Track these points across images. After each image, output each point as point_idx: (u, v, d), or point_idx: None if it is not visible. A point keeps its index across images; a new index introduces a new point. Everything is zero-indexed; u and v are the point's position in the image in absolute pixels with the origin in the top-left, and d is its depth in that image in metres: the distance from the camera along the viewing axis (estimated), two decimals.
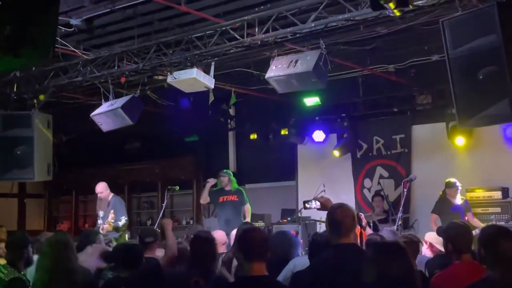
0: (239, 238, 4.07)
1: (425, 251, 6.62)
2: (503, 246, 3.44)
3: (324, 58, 7.36)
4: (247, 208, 9.87)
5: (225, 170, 10.34)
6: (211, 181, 9.94)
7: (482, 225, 8.60)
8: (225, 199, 9.92)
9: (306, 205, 4.98)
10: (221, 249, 6.82)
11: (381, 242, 4.57)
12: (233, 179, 10.03)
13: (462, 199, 9.54)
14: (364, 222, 6.85)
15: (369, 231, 6.52)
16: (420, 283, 3.50)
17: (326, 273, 3.78)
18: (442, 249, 6.37)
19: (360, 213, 7.24)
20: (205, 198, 10.09)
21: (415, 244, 5.33)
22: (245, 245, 3.87)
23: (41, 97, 8.92)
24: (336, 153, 11.71)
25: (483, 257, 3.56)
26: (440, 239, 6.57)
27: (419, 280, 3.50)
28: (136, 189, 15.26)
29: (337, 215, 3.92)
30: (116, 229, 9.19)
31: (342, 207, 3.99)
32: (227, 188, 9.96)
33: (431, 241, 6.72)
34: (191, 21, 8.12)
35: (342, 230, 3.87)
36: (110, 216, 8.86)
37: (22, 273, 5.09)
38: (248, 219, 9.62)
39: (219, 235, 7.01)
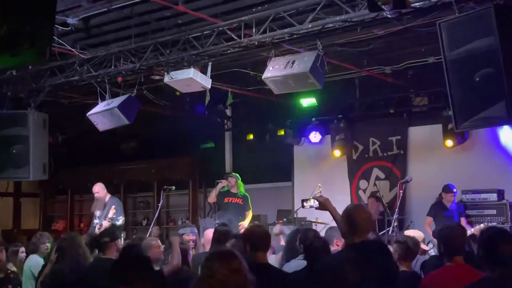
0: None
1: None
2: (502, 248, 3.46)
3: (321, 59, 7.36)
4: (249, 214, 10.01)
5: (233, 173, 10.50)
6: (224, 182, 10.04)
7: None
8: (230, 201, 9.99)
9: (305, 203, 4.96)
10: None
11: None
12: (241, 183, 10.14)
13: (457, 204, 9.57)
14: None
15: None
16: None
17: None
18: (425, 248, 6.42)
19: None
20: (213, 198, 10.20)
21: (408, 249, 5.33)
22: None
23: None
24: (337, 153, 11.69)
25: (481, 258, 3.58)
26: (420, 236, 6.62)
27: None
28: (132, 189, 15.23)
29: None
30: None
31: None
32: (233, 191, 10.05)
33: None
34: (188, 21, 8.12)
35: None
36: (111, 212, 8.83)
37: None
38: (245, 223, 9.70)
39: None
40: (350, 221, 4.00)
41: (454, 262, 4.34)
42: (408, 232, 6.83)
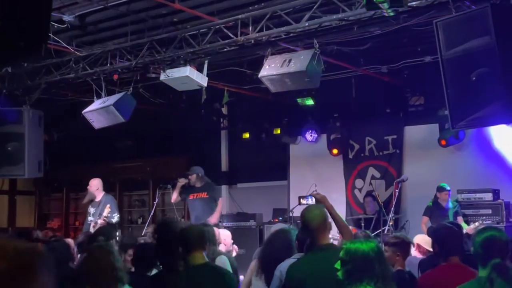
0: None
1: (414, 252, 6.65)
2: (495, 247, 3.47)
3: (318, 58, 7.36)
4: (219, 203, 9.73)
5: (192, 168, 10.06)
6: (182, 181, 9.77)
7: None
8: (195, 197, 9.78)
9: (302, 200, 4.95)
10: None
11: None
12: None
13: (453, 203, 9.58)
14: None
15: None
16: None
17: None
18: (431, 249, 6.40)
19: None
20: (175, 198, 9.91)
21: (406, 245, 5.33)
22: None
23: None
24: (333, 152, 11.69)
25: (476, 257, 3.60)
26: (428, 239, 6.60)
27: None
28: (127, 187, 15.19)
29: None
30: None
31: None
32: (197, 185, 9.80)
33: (418, 242, 6.76)
34: (184, 19, 8.12)
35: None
36: (106, 210, 8.79)
37: None
38: (217, 215, 9.53)
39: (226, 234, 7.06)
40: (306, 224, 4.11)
41: (449, 262, 4.34)
42: (418, 237, 6.85)
